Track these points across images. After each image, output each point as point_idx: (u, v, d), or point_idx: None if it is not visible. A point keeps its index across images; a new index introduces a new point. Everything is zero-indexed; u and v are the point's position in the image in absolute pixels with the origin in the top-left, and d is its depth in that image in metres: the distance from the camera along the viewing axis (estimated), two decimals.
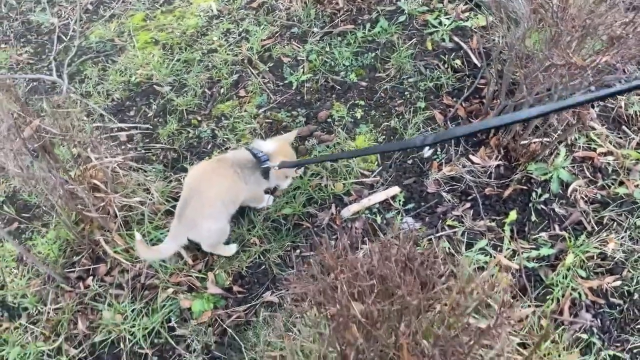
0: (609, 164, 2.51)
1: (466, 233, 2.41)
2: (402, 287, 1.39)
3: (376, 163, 2.78)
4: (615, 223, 2.35)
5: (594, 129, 2.61)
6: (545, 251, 2.29)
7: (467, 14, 3.21)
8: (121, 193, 2.59)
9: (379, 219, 2.56)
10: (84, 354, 2.41)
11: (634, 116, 2.62)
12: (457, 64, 3.00)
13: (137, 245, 2.31)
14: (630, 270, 2.21)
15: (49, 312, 2.51)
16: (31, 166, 2.32)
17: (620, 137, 2.59)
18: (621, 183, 2.44)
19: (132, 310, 2.44)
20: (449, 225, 2.46)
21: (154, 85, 3.39)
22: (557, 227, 2.38)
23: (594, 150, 2.55)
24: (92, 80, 3.54)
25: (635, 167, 2.45)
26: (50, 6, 4.30)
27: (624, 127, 2.61)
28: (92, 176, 2.45)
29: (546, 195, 2.47)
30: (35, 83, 3.69)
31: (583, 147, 2.57)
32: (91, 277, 2.58)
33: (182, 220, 2.34)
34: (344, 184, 2.70)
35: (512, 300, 1.67)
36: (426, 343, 1.40)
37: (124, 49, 3.71)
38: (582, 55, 2.05)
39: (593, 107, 2.68)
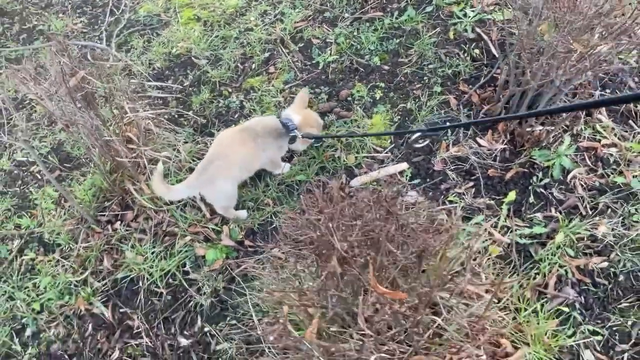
0: (611, 155, 2.60)
1: (465, 208, 2.55)
2: (377, 224, 1.56)
3: (389, 140, 2.94)
4: (609, 209, 2.44)
5: (600, 121, 2.70)
6: (538, 229, 2.41)
7: (492, 7, 3.33)
8: (151, 147, 2.84)
9: (385, 190, 2.72)
10: (107, 287, 2.67)
11: None
12: (476, 53, 3.13)
13: (155, 175, 2.54)
14: (619, 254, 2.31)
15: (79, 249, 2.79)
16: (74, 114, 2.59)
17: (626, 131, 2.67)
18: (620, 173, 2.53)
19: (152, 253, 2.69)
20: (449, 201, 2.60)
21: (192, 58, 3.64)
22: (553, 209, 2.49)
23: (599, 141, 2.65)
24: (137, 50, 3.83)
25: (636, 158, 2.54)
26: None
27: (630, 121, 2.69)
28: (126, 130, 2.71)
29: (547, 180, 2.59)
30: (86, 50, 4.00)
31: (588, 137, 2.66)
32: (119, 222, 2.85)
33: (202, 176, 2.57)
34: (356, 157, 2.88)
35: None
36: (395, 273, 1.56)
37: (168, 23, 3.98)
38: (583, 43, 2.16)
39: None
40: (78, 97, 2.51)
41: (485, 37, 3.16)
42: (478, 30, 3.21)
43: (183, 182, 2.62)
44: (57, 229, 2.89)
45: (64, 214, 2.96)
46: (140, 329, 2.52)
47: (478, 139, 2.77)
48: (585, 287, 2.27)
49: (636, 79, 2.84)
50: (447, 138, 2.84)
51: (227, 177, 2.63)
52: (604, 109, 2.73)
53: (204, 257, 2.66)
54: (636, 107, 2.72)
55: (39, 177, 3.27)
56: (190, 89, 3.49)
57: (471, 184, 2.66)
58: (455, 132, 2.84)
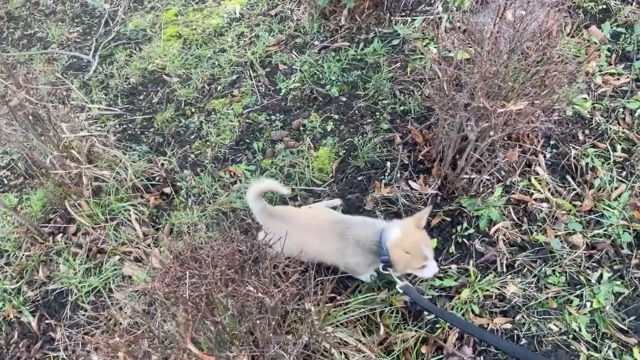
0: (541, 210, 2.52)
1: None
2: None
3: (330, 175, 2.94)
4: (525, 268, 2.38)
5: (537, 173, 2.62)
6: (448, 282, 2.37)
7: (457, 44, 3.27)
8: (97, 165, 2.94)
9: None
10: (37, 298, 2.79)
11: (583, 168, 2.60)
12: (430, 92, 3.09)
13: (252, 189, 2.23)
14: (525, 317, 2.24)
15: (21, 258, 2.92)
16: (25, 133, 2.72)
17: (562, 186, 2.58)
18: (544, 231, 2.46)
19: (83, 269, 2.78)
20: None
21: (164, 75, 3.74)
22: (471, 262, 2.44)
23: (531, 195, 2.57)
24: (118, 64, 3.97)
25: (562, 217, 2.45)
26: None
27: (568, 176, 2.60)
28: (69, 148, 2.82)
29: (471, 230, 2.54)
30: (75, 59, 4.17)
31: (521, 189, 2.59)
32: (61, 234, 2.96)
33: (277, 219, 2.30)
34: (293, 189, 2.90)
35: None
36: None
37: (152, 39, 4.10)
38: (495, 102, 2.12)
39: (544, 152, 2.69)
40: (20, 116, 2.63)
41: (441, 75, 3.11)
42: (436, 68, 3.16)
43: (275, 208, 2.44)
44: (6, 236, 3.03)
45: (17, 221, 3.10)
46: (60, 343, 2.62)
47: (411, 182, 2.74)
48: (485, 348, 2.22)
49: (587, 132, 2.75)
50: (383, 177, 2.82)
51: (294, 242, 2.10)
52: (542, 161, 2.65)
53: (130, 277, 2.74)
54: (577, 161, 2.63)
55: (5, 181, 3.43)
56: (158, 105, 3.59)
57: None
58: (393, 172, 2.82)
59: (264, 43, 3.72)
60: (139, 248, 2.83)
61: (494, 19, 2.28)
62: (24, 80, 2.57)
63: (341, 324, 2.23)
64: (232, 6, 4.16)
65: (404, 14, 3.53)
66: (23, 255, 2.94)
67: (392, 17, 3.52)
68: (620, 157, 2.61)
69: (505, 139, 2.68)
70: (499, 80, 2.09)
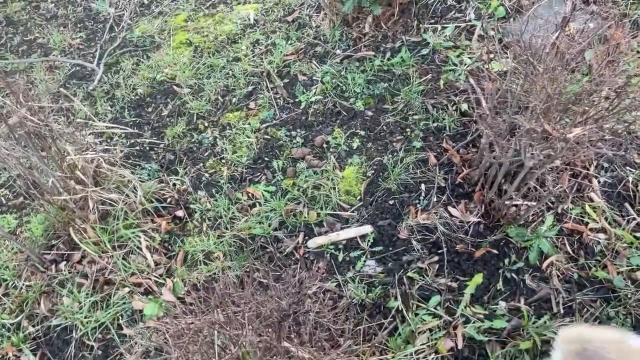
0: (598, 242, 2.27)
1: (423, 288, 2.28)
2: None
3: (359, 197, 2.69)
4: (585, 309, 2.12)
5: (592, 200, 2.37)
6: (498, 323, 2.11)
7: (492, 55, 3.03)
8: (104, 187, 2.69)
9: (341, 256, 2.48)
10: (39, 334, 2.53)
11: None
12: (466, 107, 2.84)
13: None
14: None
15: (21, 288, 2.66)
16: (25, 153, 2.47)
17: (620, 215, 2.33)
18: (604, 267, 2.20)
19: (89, 302, 2.53)
20: (408, 277, 2.33)
21: (174, 86, 3.49)
22: (522, 300, 2.19)
23: (586, 224, 2.32)
24: (124, 73, 3.71)
25: (624, 251, 2.20)
26: None
27: (627, 204, 2.35)
28: (74, 169, 2.57)
29: (520, 264, 2.29)
30: (78, 68, 3.92)
31: (574, 218, 2.34)
32: (64, 262, 2.71)
33: None
34: (318, 213, 2.65)
35: None
36: None
37: (160, 46, 3.85)
38: (557, 124, 1.87)
39: (599, 176, 2.44)
40: (21, 135, 2.38)
41: (478, 89, 2.86)
42: (472, 81, 2.92)
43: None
44: (4, 263, 2.77)
45: (15, 247, 2.85)
46: None
47: (450, 208, 2.49)
48: None
49: None
50: (419, 202, 2.57)
51: None
52: (597, 186, 2.40)
53: (141, 311, 2.49)
54: (637, 187, 2.38)
55: (3, 201, 3.18)
56: (168, 119, 3.34)
57: (436, 258, 2.39)
58: (430, 195, 2.57)
59: (281, 52, 3.47)
60: (149, 279, 2.57)
61: (546, 30, 2.03)
62: (25, 97, 2.31)
63: None
64: (245, 11, 3.91)
65: (433, 21, 3.28)
66: (23, 285, 2.68)
67: (420, 25, 3.27)
68: None
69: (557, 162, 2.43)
70: (567, 102, 1.84)
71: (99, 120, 3.44)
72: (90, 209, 2.63)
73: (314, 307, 1.70)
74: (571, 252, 2.26)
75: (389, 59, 3.19)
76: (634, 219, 2.30)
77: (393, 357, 2.00)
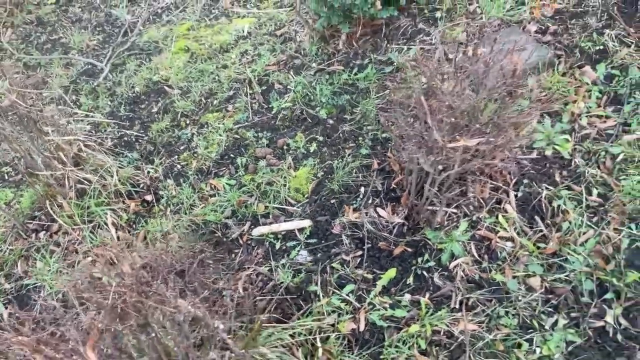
0: (504, 249, 2.47)
1: (342, 277, 2.53)
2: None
3: (306, 195, 2.96)
4: (479, 307, 2.33)
5: (506, 211, 2.58)
6: (399, 312, 2.34)
7: (446, 76, 3.26)
8: (82, 168, 3.06)
9: (279, 244, 2.76)
10: (12, 291, 2.89)
11: (554, 210, 2.54)
12: (383, 120, 3.08)
13: None
14: (471, 357, 2.19)
15: (4, 251, 3.04)
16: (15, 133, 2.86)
17: (529, 227, 2.52)
18: (502, 270, 2.40)
19: (57, 268, 2.88)
20: (332, 267, 2.59)
21: (166, 87, 3.86)
22: (427, 294, 2.41)
23: (497, 232, 2.52)
24: (127, 72, 4.12)
25: (523, 258, 2.40)
26: (131, 4, 5.01)
27: (537, 217, 2.54)
28: (59, 149, 2.94)
29: (432, 263, 2.51)
30: (90, 66, 4.35)
31: (488, 226, 2.55)
32: (43, 232, 3.08)
33: None
34: (266, 206, 2.93)
35: None
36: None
37: (162, 51, 4.25)
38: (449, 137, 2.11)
39: (517, 190, 2.64)
40: (11, 116, 2.77)
41: (425, 105, 3.10)
42: (422, 99, 3.15)
43: None
44: None
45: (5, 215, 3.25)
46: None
47: (379, 209, 2.73)
48: None
49: (564, 173, 2.69)
50: (355, 202, 2.82)
51: None
52: (513, 199, 2.60)
53: (100, 278, 2.81)
54: (550, 202, 2.57)
55: (6, 177, 3.60)
56: (157, 115, 3.71)
57: (360, 253, 2.63)
58: (365, 197, 2.82)
59: (264, 62, 3.80)
60: (111, 252, 2.90)
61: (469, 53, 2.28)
62: (18, 84, 2.70)
63: (283, 346, 2.23)
64: (242, 25, 4.27)
65: (401, 42, 3.55)
66: (7, 248, 3.06)
67: (389, 45, 3.54)
68: (595, 202, 2.54)
69: (478, 174, 2.65)
70: (456, 116, 2.08)
71: (99, 113, 3.84)
72: (68, 186, 3.00)
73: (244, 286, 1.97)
74: (477, 256, 2.47)
75: (355, 74, 3.47)
76: (541, 230, 2.49)
77: (293, 328, 2.25)
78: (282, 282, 2.58)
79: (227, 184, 3.12)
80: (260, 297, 2.53)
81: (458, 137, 2.10)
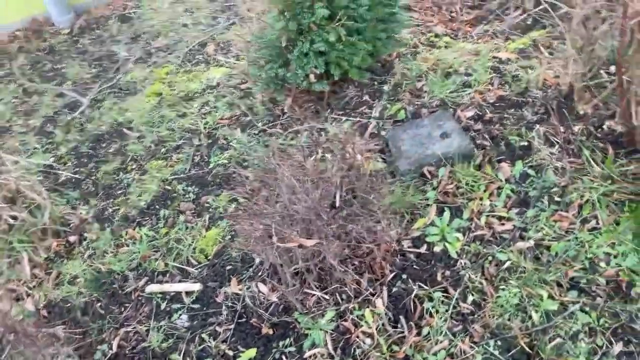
0: (359, 346, 2.44)
1: (204, 350, 2.58)
2: None
3: (208, 257, 3.04)
4: None
5: (376, 306, 2.54)
6: None
7: (370, 154, 3.27)
8: (15, 205, 3.28)
9: (164, 305, 2.85)
10: None
11: (424, 310, 2.49)
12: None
13: None
14: None
15: None
16: None
17: (394, 325, 2.48)
18: None
19: None
20: (200, 337, 2.65)
21: (126, 129, 4.08)
22: None
23: (360, 327, 2.50)
24: (102, 110, 4.38)
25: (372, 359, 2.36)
26: (132, 41, 5.32)
27: (402, 317, 2.49)
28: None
29: (292, 349, 2.51)
30: (74, 99, 4.66)
31: (354, 319, 2.52)
32: None
33: None
34: (166, 264, 3.04)
35: None
36: None
37: (138, 92, 4.49)
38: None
39: (394, 285, 2.61)
40: None
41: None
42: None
43: None
44: None
45: None
46: None
47: (260, 284, 2.77)
48: None
49: (447, 273, 2.62)
50: (244, 273, 2.87)
51: None
52: (385, 294, 2.57)
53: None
54: (421, 302, 2.52)
55: None
56: (110, 156, 3.92)
57: (232, 325, 2.67)
58: (255, 268, 2.86)
59: (218, 115, 3.93)
60: (23, 288, 3.10)
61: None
62: None
63: None
64: (215, 74, 4.45)
65: (341, 112, 3.59)
66: None
67: (329, 114, 3.58)
68: (467, 309, 2.46)
69: (356, 263, 2.64)
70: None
71: (64, 147, 4.10)
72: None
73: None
74: (332, 350, 2.45)
75: (291, 139, 3.53)
76: (402, 332, 2.44)
77: None
78: (151, 345, 2.66)
79: (145, 234, 3.24)
80: (130, 357, 2.63)
81: (292, 237, 2.12)
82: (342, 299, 2.61)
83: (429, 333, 2.41)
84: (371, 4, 3.09)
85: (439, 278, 2.61)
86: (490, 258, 2.60)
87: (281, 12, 3.02)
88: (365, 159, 3.19)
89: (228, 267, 2.95)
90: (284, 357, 2.50)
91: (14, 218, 3.24)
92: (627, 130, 2.63)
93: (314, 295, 2.64)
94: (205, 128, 3.86)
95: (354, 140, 2.65)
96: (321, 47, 3.07)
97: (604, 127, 2.89)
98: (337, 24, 3.05)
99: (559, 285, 2.44)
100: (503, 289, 2.48)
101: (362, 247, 2.60)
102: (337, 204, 2.39)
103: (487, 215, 2.77)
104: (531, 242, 2.60)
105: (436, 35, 4.15)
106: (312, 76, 3.26)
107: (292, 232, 2.25)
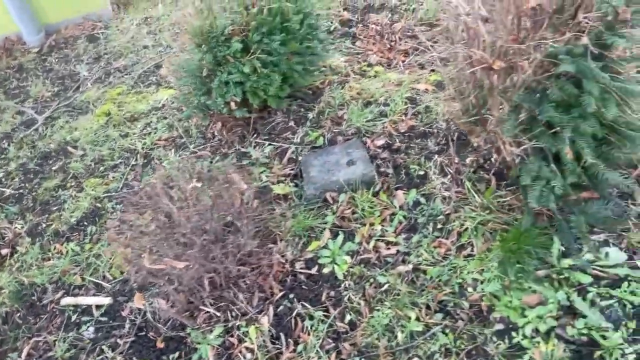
0: None
1: None
2: None
3: (124, 274, 3.23)
4: None
5: (261, 323, 2.72)
6: None
7: (284, 178, 3.46)
8: None
9: (74, 317, 3.04)
10: None
11: (304, 328, 2.66)
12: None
13: None
14: None
15: None
16: None
17: (274, 342, 2.65)
18: None
19: None
20: (101, 348, 2.83)
21: (71, 147, 4.30)
22: None
23: (244, 342, 2.67)
24: (54, 128, 4.61)
25: None
26: (93, 62, 5.57)
27: (283, 334, 2.67)
28: None
29: None
30: (31, 116, 4.90)
31: (239, 335, 2.70)
32: None
33: None
34: (83, 278, 3.23)
35: None
36: None
37: (89, 111, 4.72)
38: None
39: (282, 303, 2.78)
40: None
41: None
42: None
43: None
44: None
45: None
46: None
47: (160, 299, 2.95)
48: None
49: (332, 293, 2.79)
50: (149, 290, 3.06)
51: None
52: (272, 311, 2.74)
53: None
54: (302, 320, 2.69)
55: None
56: (53, 173, 4.14)
57: (132, 338, 2.85)
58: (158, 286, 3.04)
59: (155, 136, 4.15)
60: None
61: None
62: None
63: None
64: (163, 96, 4.67)
65: (266, 137, 3.78)
66: None
67: (253, 139, 3.78)
68: (342, 328, 2.63)
69: (249, 283, 2.82)
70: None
71: (14, 163, 4.33)
72: None
73: None
74: None
75: (217, 161, 3.73)
76: (279, 348, 2.61)
77: None
78: (55, 355, 2.84)
79: (72, 249, 3.44)
80: None
81: (166, 259, 2.31)
82: (232, 316, 2.79)
83: (303, 350, 2.58)
84: (284, 40, 3.30)
85: (323, 298, 2.78)
86: (372, 280, 2.77)
87: (198, 45, 3.23)
88: (277, 183, 3.40)
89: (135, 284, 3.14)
90: None
91: None
92: (506, 165, 2.80)
93: (208, 312, 2.81)
94: (142, 148, 4.07)
95: (231, 171, 2.85)
96: (237, 78, 3.28)
97: (492, 159, 3.06)
98: (251, 57, 3.25)
99: (428, 307, 2.60)
100: (377, 310, 2.65)
101: (253, 267, 2.79)
102: (208, 229, 2.58)
103: (377, 240, 2.94)
104: (410, 266, 2.77)
105: (369, 65, 4.34)
106: (232, 104, 3.46)
107: (168, 253, 2.44)
